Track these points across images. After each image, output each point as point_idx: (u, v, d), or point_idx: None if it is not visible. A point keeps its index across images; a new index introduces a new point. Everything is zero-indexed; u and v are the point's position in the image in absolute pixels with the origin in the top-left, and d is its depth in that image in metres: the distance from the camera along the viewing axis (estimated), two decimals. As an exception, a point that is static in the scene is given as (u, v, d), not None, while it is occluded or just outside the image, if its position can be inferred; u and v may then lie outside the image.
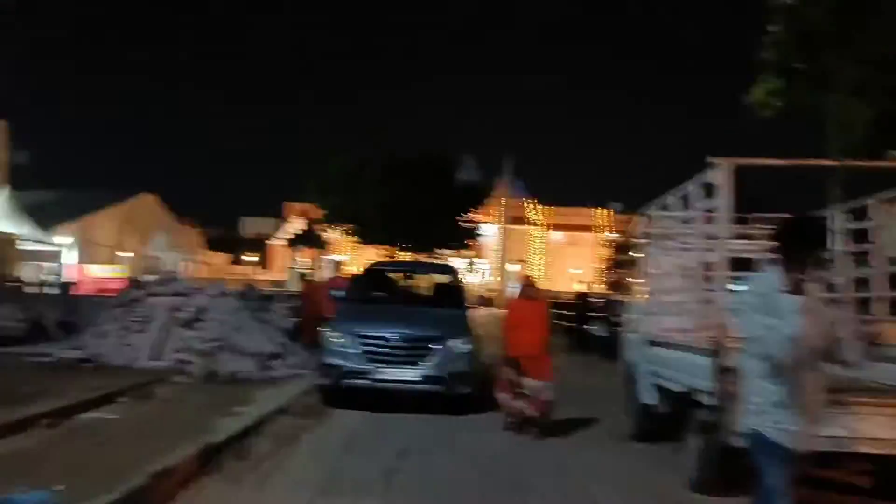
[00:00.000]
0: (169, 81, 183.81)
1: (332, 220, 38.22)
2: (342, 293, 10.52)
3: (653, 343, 7.34)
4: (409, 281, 12.38)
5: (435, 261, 34.40)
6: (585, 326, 19.03)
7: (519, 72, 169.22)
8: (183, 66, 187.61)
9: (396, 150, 37.16)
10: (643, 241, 8.10)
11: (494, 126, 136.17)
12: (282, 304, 23.12)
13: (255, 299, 26.17)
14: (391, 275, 11.64)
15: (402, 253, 39.17)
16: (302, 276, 18.39)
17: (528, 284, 8.72)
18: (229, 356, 10.11)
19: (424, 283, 13.75)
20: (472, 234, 40.30)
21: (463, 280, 10.84)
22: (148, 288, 11.31)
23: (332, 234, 42.16)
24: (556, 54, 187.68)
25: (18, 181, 56.28)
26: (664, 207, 7.18)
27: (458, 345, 9.01)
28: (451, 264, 13.52)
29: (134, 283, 11.76)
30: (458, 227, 39.54)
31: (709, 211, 5.80)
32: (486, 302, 44.42)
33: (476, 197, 39.60)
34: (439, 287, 11.80)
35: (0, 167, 42.91)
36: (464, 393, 8.90)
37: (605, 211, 72.21)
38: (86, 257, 55.64)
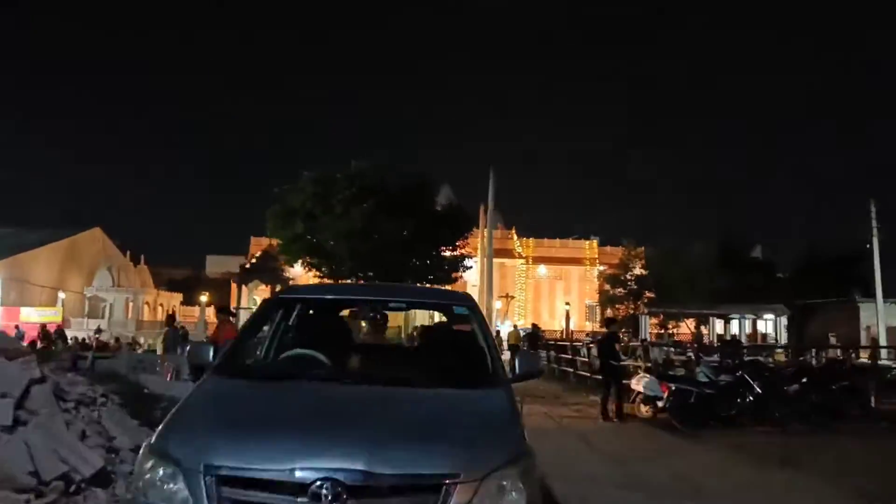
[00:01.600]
0: (139, 110, 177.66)
1: (291, 251, 32.45)
2: (208, 352, 4.26)
3: None
4: (377, 327, 6.59)
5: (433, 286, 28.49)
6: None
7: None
8: (150, 94, 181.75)
9: (367, 174, 31.83)
10: None
11: (466, 158, 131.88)
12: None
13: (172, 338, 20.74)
14: (334, 312, 5.43)
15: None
16: (221, 311, 12.35)
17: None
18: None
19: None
20: (457, 265, 34.70)
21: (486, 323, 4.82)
22: None
23: (295, 270, 36.36)
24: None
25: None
26: None
27: (504, 490, 3.14)
28: (466, 293, 7.27)
29: None
30: (440, 258, 34.06)
31: None
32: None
33: (460, 225, 34.04)
34: (443, 339, 5.27)
35: None
36: None
37: (592, 243, 67.52)
38: (17, 298, 49.37)
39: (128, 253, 60.65)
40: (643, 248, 51.33)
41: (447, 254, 34.75)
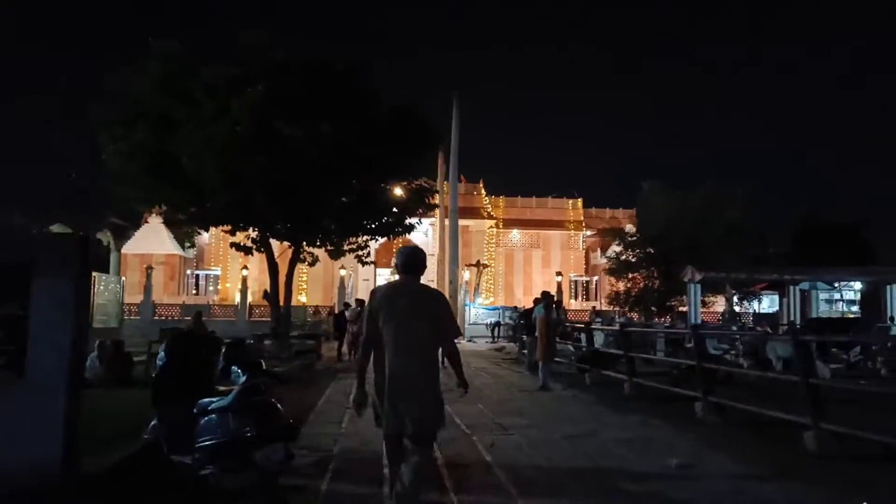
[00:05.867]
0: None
1: (127, 173, 19.03)
2: None
3: None
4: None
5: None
6: None
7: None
8: None
9: (260, 51, 18.57)
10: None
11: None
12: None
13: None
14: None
15: (275, 240, 20.50)
16: None
17: None
18: None
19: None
20: (412, 207, 21.83)
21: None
22: None
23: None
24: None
25: None
26: None
27: None
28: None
29: None
30: (385, 192, 21.23)
31: None
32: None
33: (420, 141, 20.73)
34: None
35: None
36: None
37: (577, 202, 54.70)
38: None
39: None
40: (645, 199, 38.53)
41: (399, 190, 21.94)
